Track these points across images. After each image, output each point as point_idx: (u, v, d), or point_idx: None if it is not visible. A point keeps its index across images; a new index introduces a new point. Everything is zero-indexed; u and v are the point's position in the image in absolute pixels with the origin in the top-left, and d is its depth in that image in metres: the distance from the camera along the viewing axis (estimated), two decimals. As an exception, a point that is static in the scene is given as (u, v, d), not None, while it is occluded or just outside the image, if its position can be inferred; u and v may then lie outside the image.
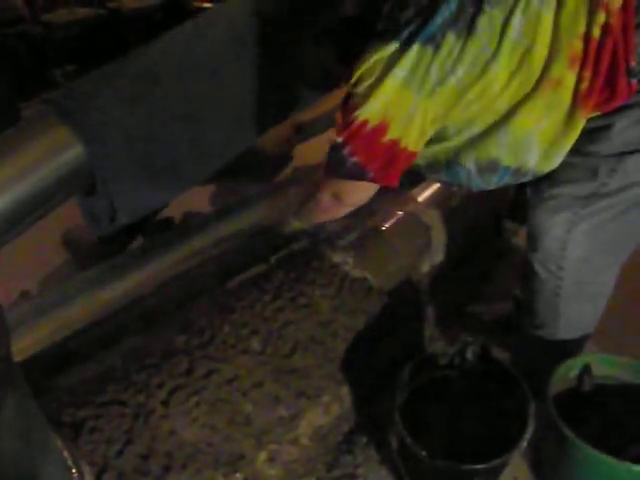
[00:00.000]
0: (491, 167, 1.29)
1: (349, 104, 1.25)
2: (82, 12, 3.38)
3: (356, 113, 1.21)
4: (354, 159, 1.26)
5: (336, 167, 1.30)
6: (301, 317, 1.53)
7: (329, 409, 1.55)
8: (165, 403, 1.33)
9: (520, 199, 1.91)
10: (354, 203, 1.45)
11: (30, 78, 3.12)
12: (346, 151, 1.26)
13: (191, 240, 1.81)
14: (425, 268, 1.85)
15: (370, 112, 1.20)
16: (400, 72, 1.17)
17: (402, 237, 1.80)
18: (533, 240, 1.44)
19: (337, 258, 1.67)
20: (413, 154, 1.27)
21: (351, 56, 1.28)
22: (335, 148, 1.29)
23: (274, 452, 1.43)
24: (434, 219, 1.87)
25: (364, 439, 1.64)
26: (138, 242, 1.98)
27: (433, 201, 1.88)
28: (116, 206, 1.59)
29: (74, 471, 1.06)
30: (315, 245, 1.69)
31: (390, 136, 1.22)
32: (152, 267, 1.71)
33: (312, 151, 2.53)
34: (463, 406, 1.54)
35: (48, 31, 3.25)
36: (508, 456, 1.38)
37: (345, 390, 1.57)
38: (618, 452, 1.34)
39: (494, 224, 2.03)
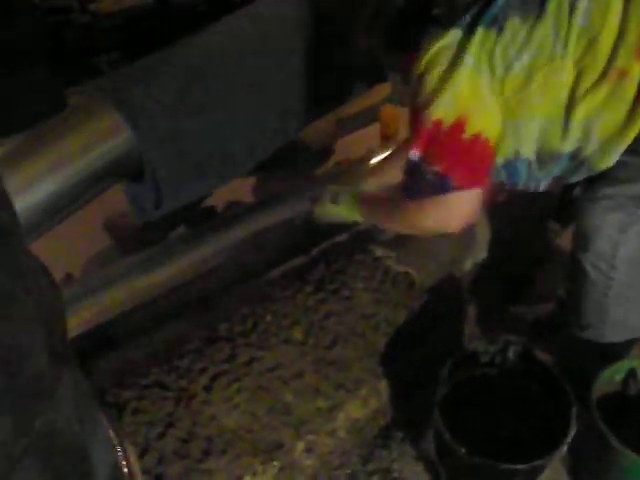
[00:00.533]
0: (553, 157, 1.23)
1: (418, 102, 1.17)
2: (128, 2, 3.41)
3: (428, 111, 1.14)
4: (434, 169, 1.17)
5: (418, 186, 1.21)
6: (343, 309, 1.53)
7: (367, 402, 1.54)
8: (207, 388, 1.35)
9: (566, 200, 1.87)
10: (463, 222, 1.29)
11: (76, 66, 3.16)
12: (423, 163, 1.18)
13: (234, 230, 1.81)
14: (468, 265, 1.83)
15: (444, 108, 1.13)
16: (469, 59, 1.11)
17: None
18: (583, 240, 1.41)
19: (380, 252, 1.66)
20: (494, 147, 1.19)
21: (403, 44, 1.25)
22: (412, 166, 1.20)
23: (311, 443, 1.43)
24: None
25: (400, 434, 1.63)
26: (180, 230, 2.00)
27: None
28: (162, 193, 1.61)
29: (119, 450, 1.08)
30: (358, 238, 1.68)
31: (471, 131, 1.14)
32: (195, 255, 1.72)
33: (354, 145, 2.53)
34: (503, 406, 1.52)
35: (95, 20, 3.29)
36: (549, 458, 1.35)
37: (383, 384, 1.57)
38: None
39: (538, 224, 2.01)
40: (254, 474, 1.33)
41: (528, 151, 1.23)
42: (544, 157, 1.23)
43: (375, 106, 2.56)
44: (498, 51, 1.12)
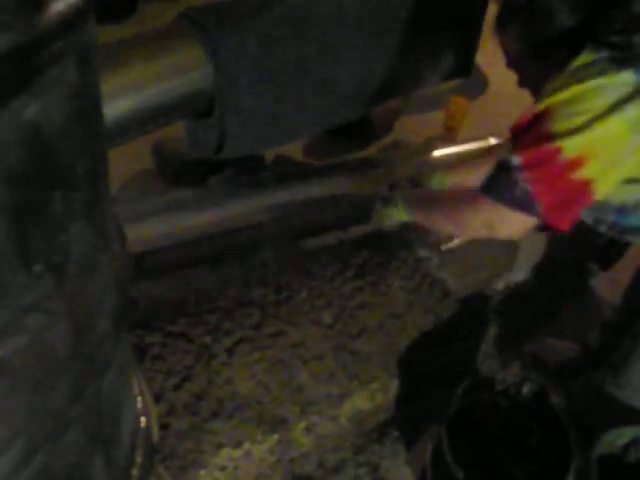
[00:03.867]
0: None
1: (546, 125, 1.07)
2: None
3: (556, 141, 1.05)
4: (527, 187, 1.08)
5: (502, 190, 1.13)
6: (376, 303, 1.52)
7: (374, 397, 1.55)
8: (229, 351, 1.35)
9: (611, 246, 1.84)
10: (506, 236, 1.24)
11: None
12: (521, 176, 1.09)
13: (283, 189, 1.78)
14: (500, 285, 1.82)
15: (574, 144, 1.04)
16: (632, 111, 1.02)
17: (489, 249, 1.76)
18: None
19: (424, 253, 1.64)
20: (593, 199, 1.11)
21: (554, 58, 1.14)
22: (506, 168, 1.11)
23: (313, 424, 1.44)
24: (526, 239, 1.82)
25: (397, 434, 1.64)
26: (225, 173, 1.96)
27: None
28: (226, 139, 1.57)
29: (140, 400, 1.08)
30: (406, 234, 1.65)
31: (584, 174, 1.05)
32: (241, 205, 1.69)
33: (414, 126, 2.47)
34: (505, 437, 1.53)
35: None
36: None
37: (395, 383, 1.57)
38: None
39: (579, 262, 1.98)
40: (253, 442, 1.34)
41: None
42: None
43: (443, 92, 2.49)
44: None
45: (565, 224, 1.13)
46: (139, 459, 1.01)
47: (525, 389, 1.51)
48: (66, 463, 0.73)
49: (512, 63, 1.29)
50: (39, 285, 0.55)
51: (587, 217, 1.30)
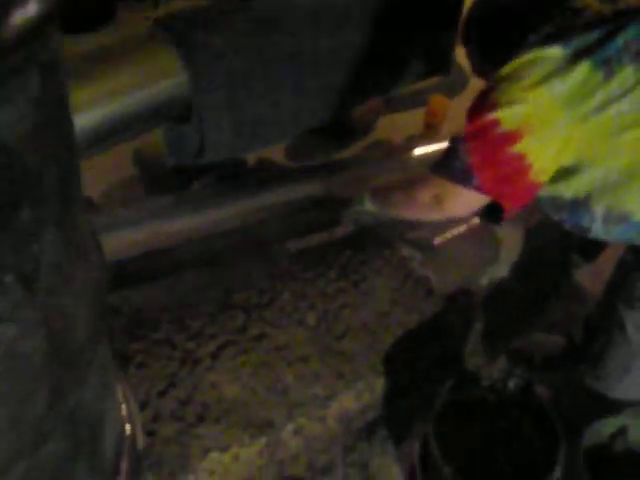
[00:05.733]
0: (620, 218, 1.19)
1: (488, 98, 1.12)
2: None
3: (495, 108, 1.09)
4: (466, 159, 1.12)
5: (444, 162, 1.17)
6: (359, 303, 1.53)
7: (361, 396, 1.55)
8: (213, 356, 1.35)
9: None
10: (453, 212, 1.26)
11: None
12: (462, 148, 1.13)
13: (262, 193, 1.78)
14: (484, 281, 1.83)
15: (510, 114, 1.07)
16: (560, 85, 1.06)
17: (472, 245, 1.77)
18: (632, 299, 1.39)
19: (406, 252, 1.65)
20: (536, 184, 1.15)
21: (503, 50, 1.17)
22: (453, 141, 1.16)
23: (301, 426, 1.45)
24: (507, 234, 1.84)
25: (385, 432, 1.64)
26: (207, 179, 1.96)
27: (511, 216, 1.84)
28: (205, 143, 1.57)
29: (124, 407, 1.08)
30: (388, 232, 1.66)
31: (520, 148, 1.08)
32: (224, 210, 1.69)
33: (395, 125, 2.48)
34: (493, 431, 1.54)
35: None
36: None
37: (381, 382, 1.57)
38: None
39: (562, 256, 1.99)
40: (241, 446, 1.34)
41: (597, 202, 1.19)
42: (612, 216, 1.19)
43: (424, 90, 2.50)
44: (599, 95, 1.06)
45: (505, 200, 1.16)
46: (125, 466, 1.01)
47: (511, 383, 1.52)
48: (49, 470, 0.73)
49: (476, 71, 1.34)
50: (10, 296, 0.55)
51: (551, 214, 1.32)
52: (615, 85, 1.06)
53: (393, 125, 2.47)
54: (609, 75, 1.06)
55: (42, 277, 0.59)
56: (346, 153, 2.28)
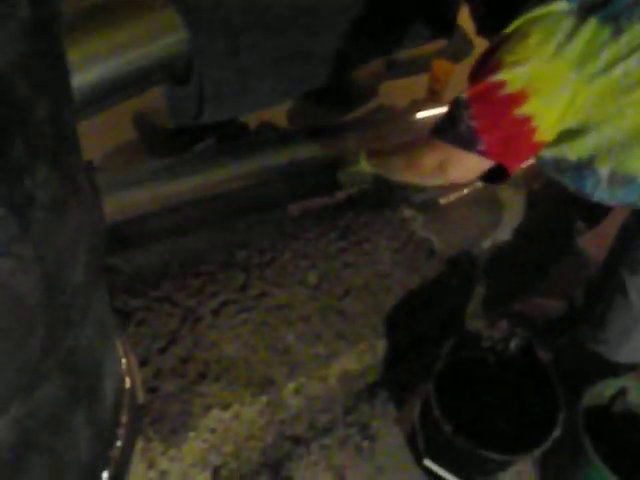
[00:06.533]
0: (625, 180, 1.17)
1: (492, 58, 1.09)
2: None
3: (500, 69, 1.06)
4: (471, 123, 1.09)
5: (448, 127, 1.14)
6: (361, 263, 1.52)
7: (362, 357, 1.55)
8: (214, 313, 1.34)
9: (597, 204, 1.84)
10: (457, 178, 1.23)
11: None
12: (466, 112, 1.10)
13: (264, 154, 1.76)
14: (486, 244, 1.82)
15: (516, 75, 1.04)
16: (566, 44, 1.03)
17: (475, 208, 1.76)
18: (635, 264, 1.38)
19: (408, 213, 1.64)
20: (540, 143, 1.13)
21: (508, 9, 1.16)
22: (455, 104, 1.12)
23: (302, 385, 1.45)
24: (511, 198, 1.82)
25: (386, 394, 1.65)
26: (209, 142, 1.95)
27: (515, 179, 1.82)
28: (205, 102, 1.55)
29: (124, 361, 1.08)
30: (390, 194, 1.65)
31: (526, 110, 1.06)
32: (223, 171, 1.68)
33: (399, 89, 2.45)
34: (494, 392, 1.54)
35: None
36: (526, 454, 1.38)
37: (382, 343, 1.57)
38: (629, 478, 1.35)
39: (566, 220, 1.98)
40: (242, 404, 1.34)
41: (602, 164, 1.17)
42: (617, 178, 1.17)
43: (427, 55, 2.47)
44: (606, 53, 1.04)
45: (510, 163, 1.13)
46: (125, 419, 1.02)
47: (512, 345, 1.52)
48: (44, 416, 0.73)
49: (480, 30, 1.31)
50: (4, 228, 0.54)
51: (555, 176, 1.30)
52: (623, 42, 1.03)
53: (397, 90, 2.44)
54: (617, 32, 1.03)
55: (37, 212, 0.58)
56: (349, 119, 2.25)
